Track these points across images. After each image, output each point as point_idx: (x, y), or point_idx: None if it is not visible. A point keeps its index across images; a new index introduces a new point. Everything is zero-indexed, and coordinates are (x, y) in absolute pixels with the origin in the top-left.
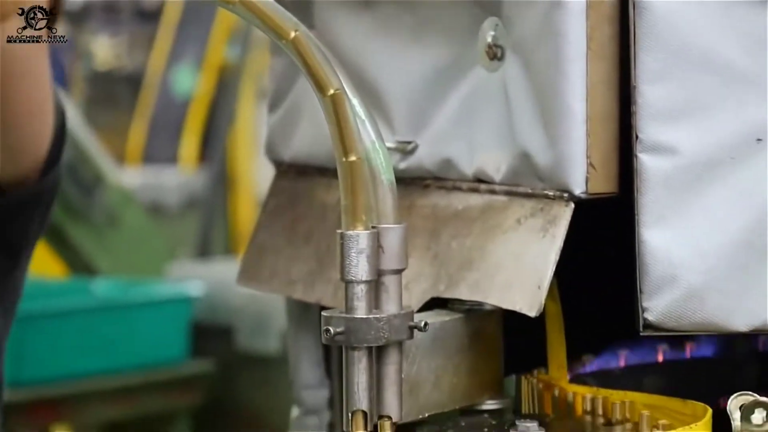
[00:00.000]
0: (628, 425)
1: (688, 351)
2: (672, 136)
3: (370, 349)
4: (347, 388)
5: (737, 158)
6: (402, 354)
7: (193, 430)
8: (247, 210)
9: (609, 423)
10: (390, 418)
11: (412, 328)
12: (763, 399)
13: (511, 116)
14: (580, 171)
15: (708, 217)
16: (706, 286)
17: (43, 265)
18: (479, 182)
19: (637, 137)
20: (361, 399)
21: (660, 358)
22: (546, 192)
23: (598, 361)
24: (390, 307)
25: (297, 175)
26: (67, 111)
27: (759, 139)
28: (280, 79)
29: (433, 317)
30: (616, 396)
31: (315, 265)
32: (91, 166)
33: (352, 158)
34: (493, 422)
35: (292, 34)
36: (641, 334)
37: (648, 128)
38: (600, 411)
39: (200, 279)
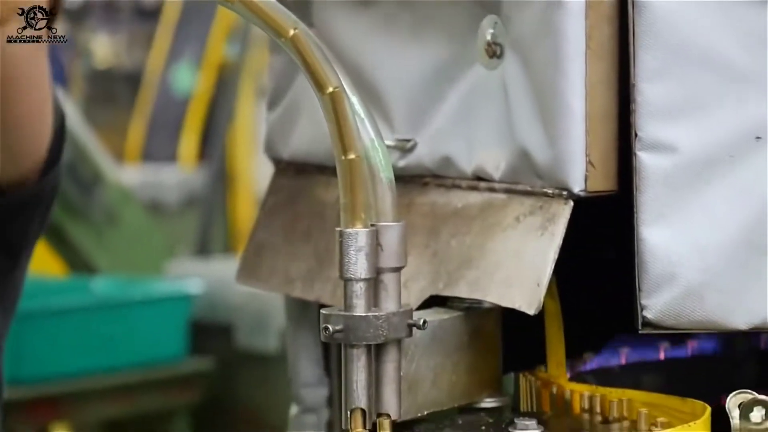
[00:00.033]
0: (626, 423)
1: (689, 349)
2: (671, 134)
3: (368, 347)
4: (346, 386)
5: (736, 156)
6: (401, 352)
7: (192, 428)
8: (246, 208)
9: (606, 421)
10: (389, 416)
11: (411, 326)
12: (762, 397)
13: (511, 114)
14: (580, 169)
15: (707, 215)
16: (706, 284)
17: (43, 263)
18: (478, 180)
19: (636, 135)
20: (359, 397)
21: (659, 356)
22: (545, 190)
23: (598, 359)
24: (389, 305)
25: (296, 173)
26: (66, 110)
27: (758, 137)
28: (279, 77)
29: (432, 315)
30: (614, 394)
31: (314, 263)
32: (90, 164)
33: (351, 156)
34: (490, 420)
35: (291, 32)
36: (640, 332)
37: (647, 126)
38: (598, 409)
39: (199, 277)
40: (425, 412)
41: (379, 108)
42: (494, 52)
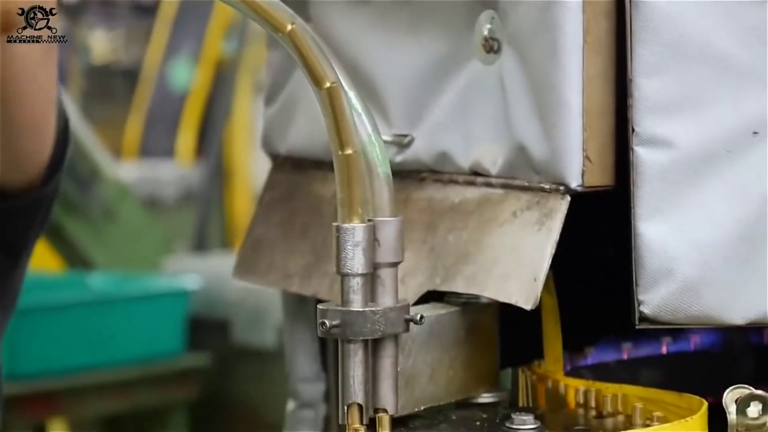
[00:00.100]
0: (621, 417)
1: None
2: (668, 129)
3: (365, 342)
4: (343, 381)
5: (733, 151)
6: (398, 347)
7: (189, 424)
8: (243, 204)
9: (601, 415)
10: (386, 411)
11: (408, 321)
12: (759, 392)
13: (508, 109)
14: (577, 164)
15: (704, 210)
16: (703, 280)
17: (40, 259)
18: (475, 175)
19: (633, 130)
20: (356, 392)
21: (658, 352)
22: (542, 185)
23: (596, 354)
24: (386, 300)
25: (293, 169)
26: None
27: (755, 132)
28: (277, 73)
29: (429, 310)
30: (610, 389)
31: (311, 258)
32: (87, 160)
33: (349, 151)
34: (485, 416)
35: (289, 27)
36: (637, 327)
37: (644, 121)
38: (593, 403)
39: (197, 273)
40: (422, 408)
41: (376, 103)
42: (491, 47)
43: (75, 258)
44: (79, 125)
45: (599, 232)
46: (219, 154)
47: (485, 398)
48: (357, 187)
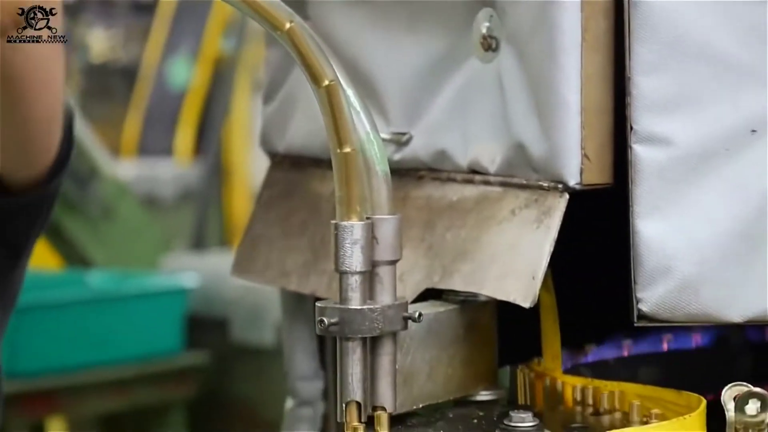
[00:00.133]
0: (618, 415)
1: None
2: (666, 127)
3: (364, 339)
4: (341, 378)
5: (732, 149)
6: (396, 345)
7: (187, 422)
8: (242, 202)
9: (597, 413)
10: (384, 408)
11: (406, 319)
12: (757, 390)
13: (506, 107)
14: (575, 162)
15: (702, 208)
16: (701, 277)
17: (39, 257)
18: (474, 173)
19: (631, 128)
20: (355, 390)
21: (657, 349)
22: (540, 183)
23: (596, 351)
24: (384, 298)
25: (291, 167)
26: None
27: (753, 131)
28: (275, 71)
29: (428, 308)
30: (608, 386)
31: (309, 256)
32: (86, 158)
33: (347, 149)
34: (481, 413)
35: (287, 25)
36: (635, 325)
37: (642, 119)
38: (590, 401)
39: (195, 271)
40: (420, 405)
41: (374, 101)
42: (490, 45)
43: (73, 256)
44: (77, 123)
45: (598, 230)
46: (217, 152)
47: (484, 396)
48: (355, 185)
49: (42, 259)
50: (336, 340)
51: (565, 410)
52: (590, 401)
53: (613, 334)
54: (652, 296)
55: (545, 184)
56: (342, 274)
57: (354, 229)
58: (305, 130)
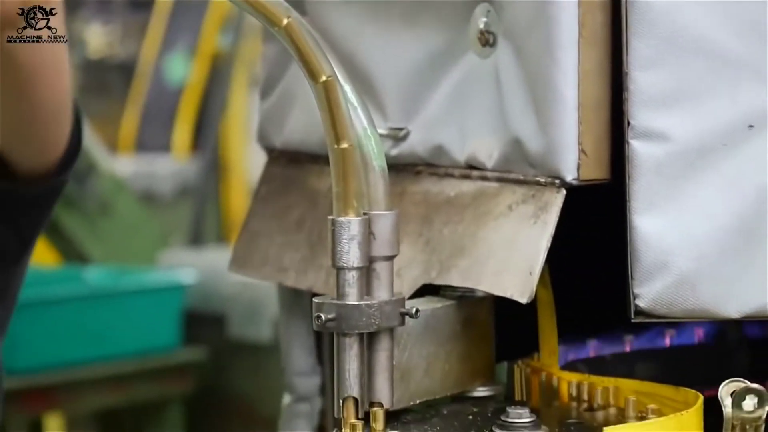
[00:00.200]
0: (612, 410)
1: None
2: (664, 122)
3: (361, 335)
4: (338, 374)
5: (729, 145)
6: (393, 340)
7: (185, 418)
8: (239, 198)
9: (591, 408)
10: (381, 404)
11: (403, 315)
12: (755, 386)
13: (503, 103)
14: (572, 157)
15: (700, 203)
16: (698, 273)
17: (36, 253)
18: (471, 169)
19: (628, 124)
20: (352, 386)
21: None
22: (538, 178)
23: (593, 347)
24: (381, 293)
25: (289, 162)
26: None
27: (751, 126)
28: (272, 66)
29: (425, 304)
30: (604, 382)
31: (307, 251)
32: (83, 154)
33: (344, 145)
34: (476, 409)
35: (285, 21)
36: (632, 320)
37: (640, 115)
38: (585, 396)
39: (192, 267)
40: (418, 401)
41: (372, 97)
42: (487, 40)
43: (71, 252)
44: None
45: (595, 225)
46: (215, 148)
47: (481, 392)
48: (352, 180)
49: (40, 255)
50: (333, 335)
51: (560, 406)
52: (585, 397)
53: (611, 330)
54: (649, 292)
55: (542, 180)
56: (339, 269)
57: (351, 224)
58: (302, 125)
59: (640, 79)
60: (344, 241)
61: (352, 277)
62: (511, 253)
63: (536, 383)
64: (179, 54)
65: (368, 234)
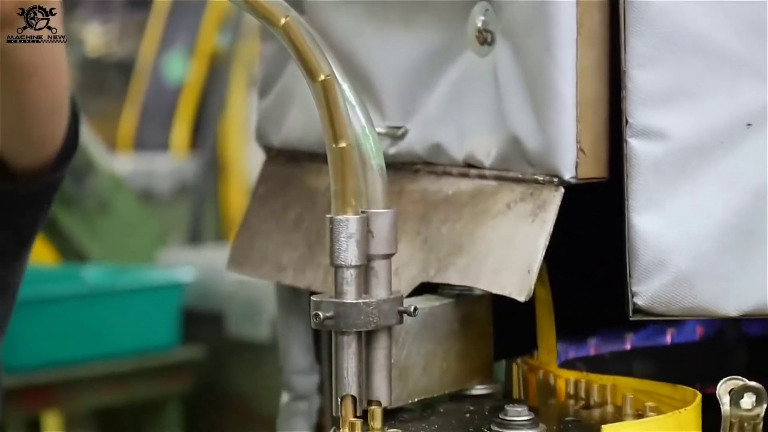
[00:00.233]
0: (609, 408)
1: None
2: (662, 120)
3: (359, 333)
4: (337, 372)
5: (727, 143)
6: (391, 339)
7: (183, 416)
8: (238, 196)
9: (588, 406)
10: (379, 402)
11: (401, 313)
12: (753, 384)
13: (501, 101)
14: (570, 156)
15: (698, 201)
16: (696, 271)
17: (34, 251)
18: (469, 167)
19: (626, 122)
20: (350, 384)
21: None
22: (536, 177)
23: (592, 345)
24: (379, 291)
25: (287, 161)
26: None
27: (749, 124)
28: (271, 65)
29: (423, 302)
30: (602, 380)
31: (305, 250)
32: (82, 152)
33: (342, 144)
34: (473, 408)
35: (283, 20)
36: (631, 319)
37: (638, 113)
38: (583, 394)
39: (191, 265)
40: (416, 399)
41: (370, 95)
42: (485, 39)
43: (69, 251)
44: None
45: (593, 224)
46: (213, 147)
47: (479, 390)
48: (351, 179)
49: (38, 253)
50: (331, 334)
51: (557, 404)
52: (583, 395)
53: (609, 328)
54: (647, 290)
55: (540, 178)
56: (337, 268)
57: (349, 223)
58: (300, 124)
59: (639, 77)
60: (342, 239)
61: (350, 275)
62: (510, 252)
63: (534, 381)
64: (178, 53)
65: (366, 232)
